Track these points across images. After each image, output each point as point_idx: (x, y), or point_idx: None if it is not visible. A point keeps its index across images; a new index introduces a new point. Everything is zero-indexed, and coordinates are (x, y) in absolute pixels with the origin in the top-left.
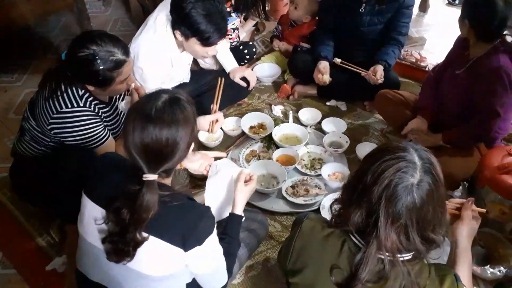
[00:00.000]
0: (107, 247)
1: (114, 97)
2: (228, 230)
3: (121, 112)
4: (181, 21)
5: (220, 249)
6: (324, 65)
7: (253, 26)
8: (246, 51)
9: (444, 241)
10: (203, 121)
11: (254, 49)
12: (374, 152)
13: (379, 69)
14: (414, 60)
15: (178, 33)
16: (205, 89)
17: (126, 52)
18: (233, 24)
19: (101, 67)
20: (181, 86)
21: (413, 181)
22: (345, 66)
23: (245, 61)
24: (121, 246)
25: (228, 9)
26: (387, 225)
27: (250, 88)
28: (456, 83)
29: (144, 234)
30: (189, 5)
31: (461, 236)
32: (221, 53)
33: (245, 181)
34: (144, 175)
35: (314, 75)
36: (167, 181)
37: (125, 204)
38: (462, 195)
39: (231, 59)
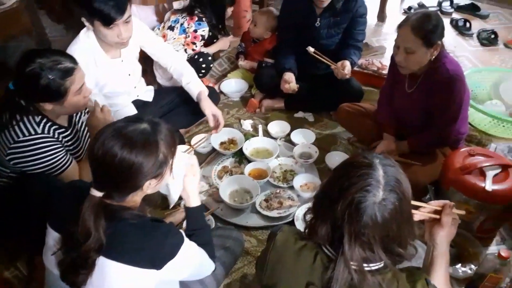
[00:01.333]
0: (60, 271)
1: (74, 119)
2: (192, 224)
3: (83, 135)
4: (81, 7)
5: (195, 248)
6: (289, 76)
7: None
8: (201, 59)
9: (415, 254)
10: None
11: (209, 58)
12: (341, 166)
13: (347, 64)
14: (375, 69)
15: (84, 20)
16: (170, 108)
17: (74, 61)
18: (203, 31)
19: (50, 77)
20: (144, 105)
21: (375, 200)
22: (317, 56)
23: (202, 71)
24: (73, 270)
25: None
26: (351, 241)
27: (218, 131)
28: (410, 100)
29: (101, 257)
30: None
31: (439, 240)
32: (182, 70)
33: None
34: (91, 189)
35: (281, 86)
36: (130, 203)
37: (75, 226)
38: (430, 198)
39: (196, 79)
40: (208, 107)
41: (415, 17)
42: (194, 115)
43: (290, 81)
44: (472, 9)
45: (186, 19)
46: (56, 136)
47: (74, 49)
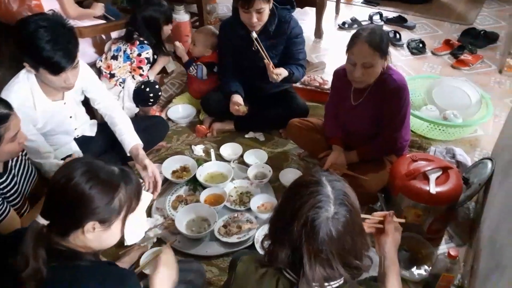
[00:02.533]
0: None
1: (10, 164)
2: None
3: (21, 179)
4: (26, 51)
5: None
6: (237, 98)
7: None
8: (148, 89)
9: (371, 264)
10: None
11: (157, 86)
12: (291, 187)
13: (282, 70)
14: (317, 84)
15: (27, 65)
16: (115, 141)
17: (9, 106)
18: (147, 53)
19: None
20: (87, 141)
21: (328, 215)
22: (258, 46)
23: (151, 101)
24: None
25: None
26: (311, 261)
27: (155, 195)
28: (357, 113)
29: None
30: (30, 32)
31: (387, 249)
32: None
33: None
34: (37, 216)
35: (231, 109)
36: (78, 246)
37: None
38: (381, 205)
39: (130, 131)
40: (143, 165)
41: (367, 33)
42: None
43: (239, 104)
44: (400, 21)
45: (128, 46)
46: None
47: (13, 90)
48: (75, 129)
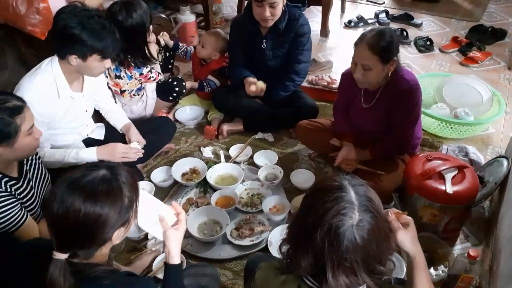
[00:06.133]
0: None
1: (25, 168)
2: (170, 284)
3: (37, 184)
4: (74, 44)
5: None
6: (251, 79)
7: (170, 68)
8: (175, 83)
9: (394, 268)
10: None
11: (183, 83)
12: (312, 192)
13: (262, 86)
14: (325, 84)
15: (73, 57)
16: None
17: (21, 100)
18: (148, 71)
19: None
20: (96, 144)
21: (353, 222)
22: None
23: (174, 95)
24: None
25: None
26: (334, 270)
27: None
28: (368, 115)
29: None
30: (77, 27)
31: (403, 245)
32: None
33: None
34: (54, 252)
35: (247, 91)
36: (98, 257)
37: None
38: (395, 205)
39: (123, 114)
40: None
41: (370, 35)
42: (150, 148)
43: (255, 82)
44: (406, 19)
45: (124, 68)
46: (8, 189)
47: (37, 80)
48: (87, 125)
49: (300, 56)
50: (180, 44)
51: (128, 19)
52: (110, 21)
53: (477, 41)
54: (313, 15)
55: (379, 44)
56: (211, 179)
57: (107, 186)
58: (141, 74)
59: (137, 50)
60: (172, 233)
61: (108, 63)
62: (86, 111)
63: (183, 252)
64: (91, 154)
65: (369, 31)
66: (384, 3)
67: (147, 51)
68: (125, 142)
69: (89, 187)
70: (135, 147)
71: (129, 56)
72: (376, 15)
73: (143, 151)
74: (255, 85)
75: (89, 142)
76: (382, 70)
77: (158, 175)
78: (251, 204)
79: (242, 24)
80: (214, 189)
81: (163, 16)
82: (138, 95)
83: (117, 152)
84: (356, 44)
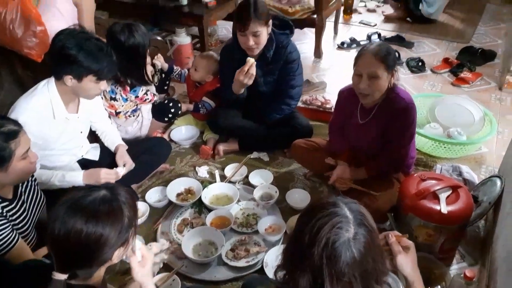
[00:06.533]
0: None
1: (20, 190)
2: None
3: (30, 207)
4: (70, 65)
5: None
6: (238, 70)
7: (165, 89)
8: (171, 104)
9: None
10: None
11: (179, 105)
12: (307, 211)
13: None
14: (319, 104)
15: (69, 78)
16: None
17: (17, 124)
18: (143, 93)
19: None
20: (90, 165)
21: (349, 236)
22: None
23: (169, 116)
24: None
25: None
26: (333, 285)
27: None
28: (364, 131)
29: None
30: (74, 48)
31: (403, 269)
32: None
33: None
34: (53, 273)
35: (239, 77)
36: (95, 278)
37: None
38: (390, 224)
39: (117, 135)
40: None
41: (373, 46)
42: (145, 169)
43: (243, 70)
44: (398, 40)
45: (120, 89)
46: (0, 210)
47: (33, 100)
48: (82, 146)
49: (293, 82)
50: (175, 67)
51: (130, 38)
52: (108, 45)
53: (468, 62)
54: (306, 37)
55: (383, 52)
56: (206, 199)
57: (108, 206)
58: (136, 96)
59: (136, 70)
60: (140, 271)
61: (103, 85)
62: (81, 132)
63: (178, 273)
64: (77, 178)
65: (369, 44)
66: (376, 25)
67: (145, 72)
68: None
69: (91, 208)
70: (118, 171)
71: (127, 76)
72: (369, 37)
73: (122, 174)
74: (243, 68)
75: (84, 163)
76: (386, 80)
77: (153, 195)
78: (246, 225)
79: (231, 52)
80: (209, 209)
81: (159, 38)
82: (134, 116)
83: (101, 177)
84: (359, 56)
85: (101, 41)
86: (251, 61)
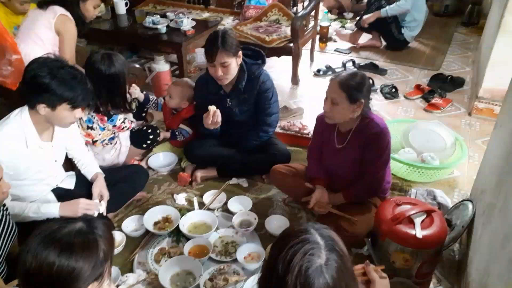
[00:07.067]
0: None
1: None
2: None
3: (2, 237)
4: (43, 93)
5: None
6: (205, 114)
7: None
8: (149, 131)
9: None
10: None
11: (158, 131)
12: (279, 239)
13: None
14: (297, 129)
15: (42, 106)
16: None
17: None
18: (121, 122)
19: None
20: (66, 194)
21: (321, 262)
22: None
23: (148, 143)
24: None
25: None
26: None
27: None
28: (341, 156)
29: None
30: (47, 76)
31: None
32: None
33: None
34: None
35: (205, 124)
36: None
37: None
38: (368, 250)
39: (94, 163)
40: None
41: (344, 74)
42: (122, 197)
43: (207, 114)
44: (372, 68)
45: (97, 118)
46: None
47: (4, 130)
48: (56, 175)
49: (269, 110)
50: (151, 97)
51: (110, 68)
52: (82, 73)
53: (438, 88)
54: (284, 65)
55: (349, 83)
56: (184, 228)
57: (83, 239)
58: (114, 125)
59: (117, 98)
60: None
61: (78, 113)
62: (56, 161)
63: None
64: (53, 210)
65: (344, 72)
66: (350, 53)
67: (125, 100)
68: None
69: (65, 240)
70: (99, 207)
71: (107, 105)
72: (344, 64)
73: (103, 209)
74: (208, 115)
75: (59, 192)
76: (348, 109)
77: (130, 224)
78: (225, 253)
79: (205, 84)
80: (187, 238)
81: (137, 65)
82: (111, 143)
83: (79, 208)
84: (331, 80)
85: (75, 69)
86: (212, 109)
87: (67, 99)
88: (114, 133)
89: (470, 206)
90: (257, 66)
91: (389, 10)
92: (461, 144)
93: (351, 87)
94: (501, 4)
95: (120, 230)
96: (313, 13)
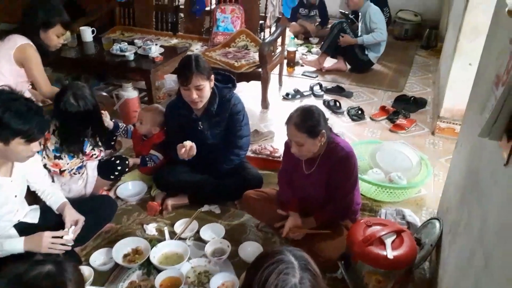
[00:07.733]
0: None
1: None
2: None
3: None
4: (11, 129)
5: None
6: (180, 144)
7: (112, 145)
8: (118, 162)
9: None
10: None
11: (127, 162)
12: (254, 262)
13: None
14: (268, 153)
15: None
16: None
17: None
18: (90, 148)
19: None
20: (29, 229)
21: (295, 281)
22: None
23: (116, 174)
24: None
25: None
26: None
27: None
28: (310, 181)
29: None
30: (6, 106)
31: None
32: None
33: None
34: None
35: (179, 155)
36: None
37: None
38: (342, 273)
39: (59, 193)
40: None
41: (296, 115)
42: (89, 230)
43: (182, 145)
44: (338, 90)
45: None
46: None
47: None
48: (17, 210)
49: (240, 132)
50: (120, 124)
51: (87, 102)
52: (38, 105)
53: (402, 109)
54: (253, 89)
55: (304, 123)
56: (154, 259)
57: (51, 282)
58: (84, 153)
59: (100, 128)
60: None
61: (35, 146)
62: (16, 196)
63: None
64: (17, 245)
65: (295, 111)
66: (317, 76)
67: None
68: (61, 223)
69: (32, 283)
70: (67, 236)
71: (96, 138)
72: (311, 88)
73: (71, 243)
74: (183, 147)
75: (22, 227)
76: (314, 143)
77: (98, 257)
78: (198, 284)
79: (176, 109)
80: (159, 270)
81: (104, 93)
82: (79, 173)
83: (43, 242)
84: (286, 124)
85: (31, 101)
86: (188, 144)
87: (22, 133)
88: (83, 161)
89: (437, 224)
90: (228, 90)
91: (365, 39)
92: (426, 163)
93: (308, 126)
94: (455, 28)
95: (88, 264)
96: (280, 38)
